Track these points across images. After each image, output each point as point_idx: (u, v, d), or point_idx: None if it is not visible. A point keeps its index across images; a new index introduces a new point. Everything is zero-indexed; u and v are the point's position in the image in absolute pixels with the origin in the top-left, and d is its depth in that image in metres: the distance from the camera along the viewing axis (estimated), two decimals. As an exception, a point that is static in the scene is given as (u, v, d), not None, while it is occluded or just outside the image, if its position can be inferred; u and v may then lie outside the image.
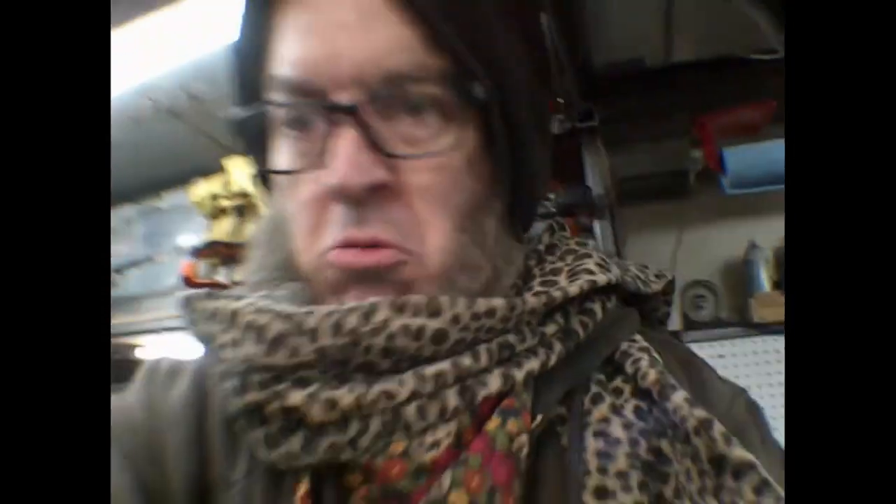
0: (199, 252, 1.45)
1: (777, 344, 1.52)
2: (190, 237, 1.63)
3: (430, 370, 0.36)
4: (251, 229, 1.49)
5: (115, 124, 1.58)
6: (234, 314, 0.37)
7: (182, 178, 1.67)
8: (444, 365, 0.36)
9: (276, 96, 0.38)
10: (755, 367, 1.54)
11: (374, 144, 0.36)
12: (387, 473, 0.35)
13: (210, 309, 0.39)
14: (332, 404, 0.34)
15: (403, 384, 0.35)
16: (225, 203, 1.50)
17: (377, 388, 0.35)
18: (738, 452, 0.34)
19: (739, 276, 1.65)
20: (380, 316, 0.35)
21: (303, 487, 0.36)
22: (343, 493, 0.37)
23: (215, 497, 0.40)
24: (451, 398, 0.36)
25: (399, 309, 0.35)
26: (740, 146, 1.31)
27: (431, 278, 0.38)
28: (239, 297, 0.39)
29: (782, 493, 0.33)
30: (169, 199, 1.74)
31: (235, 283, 1.50)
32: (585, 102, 1.36)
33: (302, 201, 0.39)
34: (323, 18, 0.36)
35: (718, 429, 0.35)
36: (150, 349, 1.79)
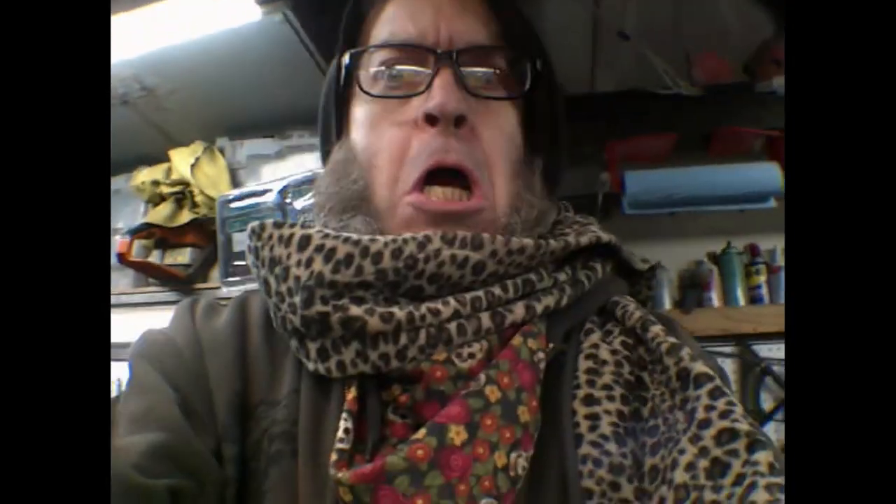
0: (135, 233, 1.51)
1: (672, 358, 1.63)
2: (127, 220, 1.69)
3: (468, 296, 0.43)
4: (187, 216, 1.56)
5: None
6: (307, 238, 0.43)
7: (127, 165, 1.73)
8: (479, 293, 0.43)
9: (386, 53, 0.49)
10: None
11: (462, 84, 0.46)
12: (431, 377, 0.41)
13: (284, 234, 0.45)
14: (388, 316, 0.41)
15: (447, 305, 0.42)
16: (165, 190, 1.57)
17: (425, 306, 0.42)
18: (699, 367, 0.40)
19: (644, 294, 1.77)
20: (433, 246, 0.42)
21: (351, 393, 0.41)
22: (384, 403, 0.42)
23: (256, 418, 0.43)
24: (485, 320, 0.43)
25: (449, 241, 0.42)
26: (640, 171, 1.43)
27: (493, 212, 0.47)
28: (306, 227, 0.45)
29: (734, 398, 0.39)
30: (112, 184, 1.79)
31: (167, 266, 1.56)
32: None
33: (390, 134, 0.47)
34: (431, 7, 0.49)
35: (686, 350, 0.42)
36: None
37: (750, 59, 1.58)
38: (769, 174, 1.42)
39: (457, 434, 0.38)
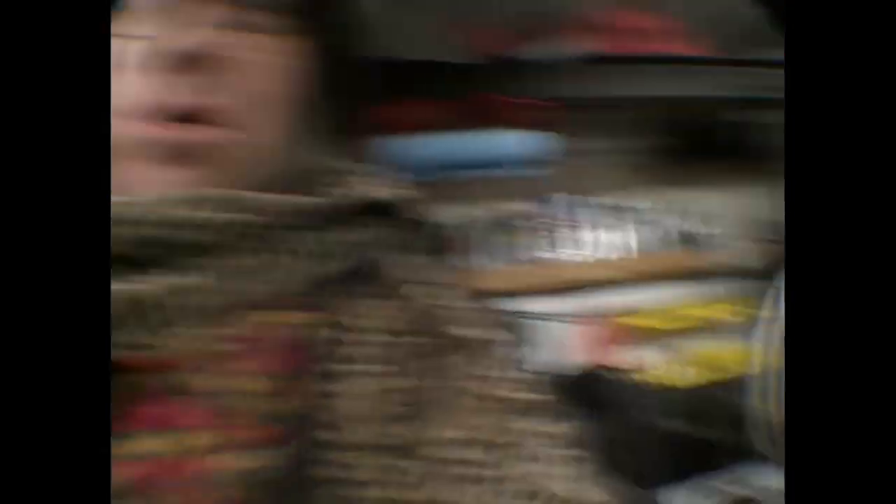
0: None
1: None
2: None
3: (232, 263, 0.37)
4: None
5: None
6: None
7: None
8: (245, 260, 0.38)
9: None
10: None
11: (221, 15, 0.39)
12: (170, 366, 0.35)
13: None
14: (134, 296, 0.34)
15: (206, 277, 0.36)
16: None
17: (179, 280, 0.35)
18: (476, 332, 0.39)
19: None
20: (195, 209, 0.36)
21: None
22: (128, 392, 0.35)
23: None
24: (249, 291, 0.38)
25: (213, 203, 0.37)
26: (395, 139, 1.47)
27: (247, 160, 0.40)
28: None
29: (518, 364, 0.37)
30: None
31: None
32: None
33: (125, 75, 0.39)
34: None
35: (461, 314, 0.40)
36: None
37: (519, 29, 1.66)
38: (520, 141, 1.52)
39: (191, 439, 0.34)
